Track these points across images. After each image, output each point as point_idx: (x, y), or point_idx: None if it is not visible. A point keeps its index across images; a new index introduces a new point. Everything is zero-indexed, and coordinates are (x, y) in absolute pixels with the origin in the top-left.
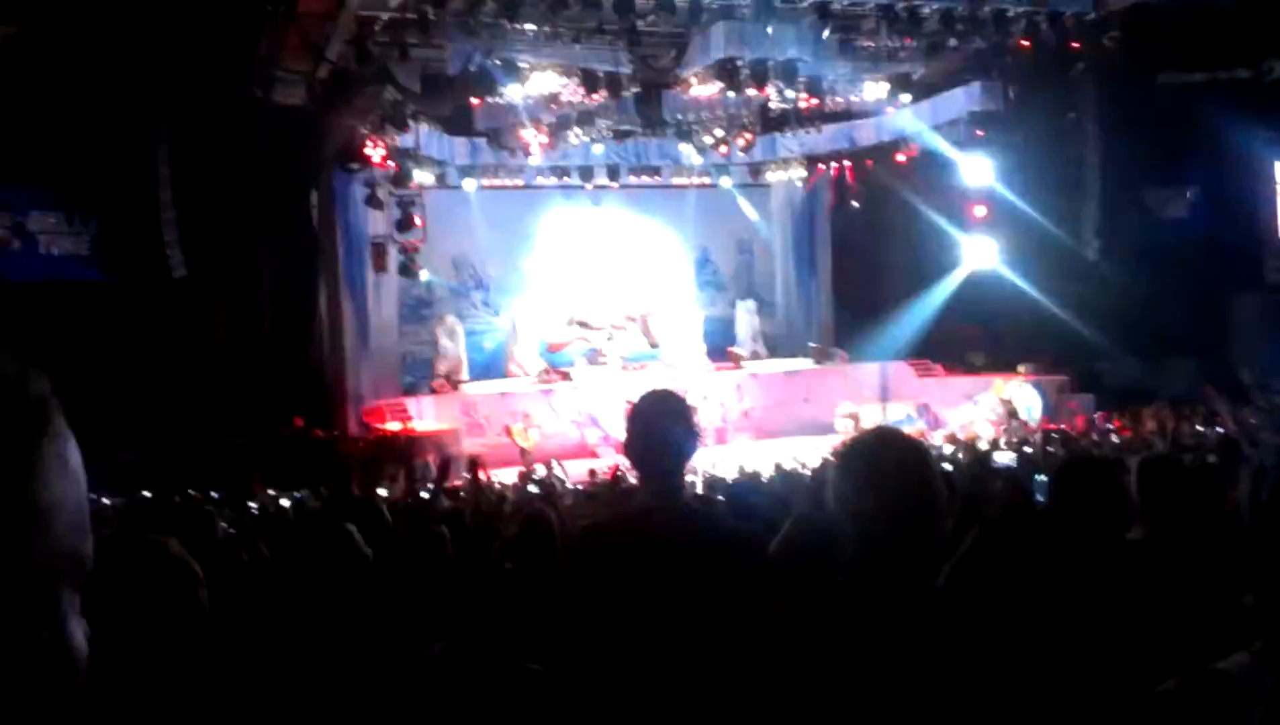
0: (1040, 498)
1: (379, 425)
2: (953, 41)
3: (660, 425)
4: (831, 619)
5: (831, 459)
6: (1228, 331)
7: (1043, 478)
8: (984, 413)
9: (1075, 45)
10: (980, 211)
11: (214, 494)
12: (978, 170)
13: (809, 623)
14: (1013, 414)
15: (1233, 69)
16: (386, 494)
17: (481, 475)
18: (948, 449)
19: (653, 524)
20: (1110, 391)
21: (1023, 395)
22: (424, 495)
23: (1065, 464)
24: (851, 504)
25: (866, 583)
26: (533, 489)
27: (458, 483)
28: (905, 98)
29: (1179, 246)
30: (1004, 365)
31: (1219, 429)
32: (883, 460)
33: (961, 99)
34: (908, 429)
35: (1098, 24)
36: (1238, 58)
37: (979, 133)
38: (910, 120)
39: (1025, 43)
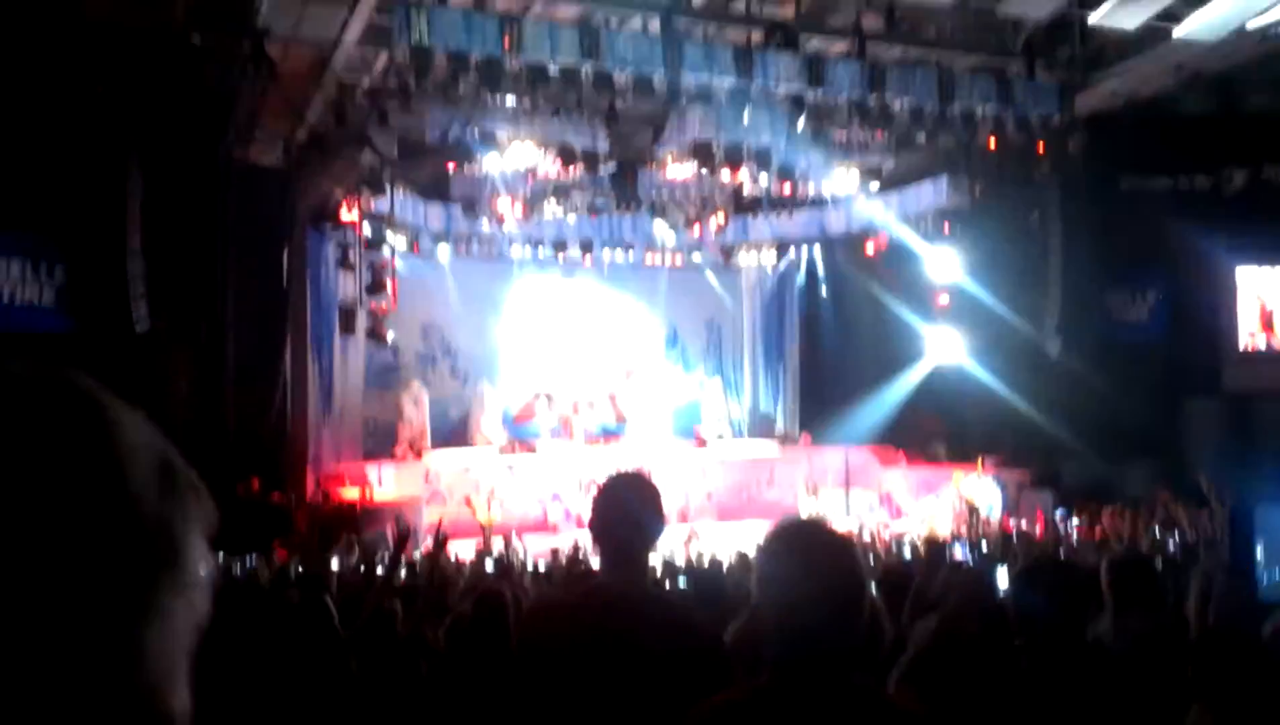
0: (999, 593)
1: (338, 490)
2: (922, 137)
3: (628, 507)
4: (756, 717)
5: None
6: (1186, 436)
7: (1003, 571)
8: (945, 505)
9: (1040, 147)
10: (945, 302)
11: None
12: (944, 263)
13: (735, 720)
14: (973, 511)
15: (1194, 177)
16: (338, 565)
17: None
18: (908, 541)
19: (612, 607)
20: (1070, 489)
21: (983, 491)
22: (378, 569)
23: (1026, 565)
24: (774, 596)
25: (789, 680)
26: (489, 566)
27: (414, 557)
28: (874, 187)
29: (1139, 349)
30: (966, 457)
31: (1176, 534)
32: (805, 552)
33: (929, 193)
34: (869, 517)
35: (1063, 128)
36: (1199, 166)
37: (946, 227)
38: (879, 211)
39: (992, 143)
